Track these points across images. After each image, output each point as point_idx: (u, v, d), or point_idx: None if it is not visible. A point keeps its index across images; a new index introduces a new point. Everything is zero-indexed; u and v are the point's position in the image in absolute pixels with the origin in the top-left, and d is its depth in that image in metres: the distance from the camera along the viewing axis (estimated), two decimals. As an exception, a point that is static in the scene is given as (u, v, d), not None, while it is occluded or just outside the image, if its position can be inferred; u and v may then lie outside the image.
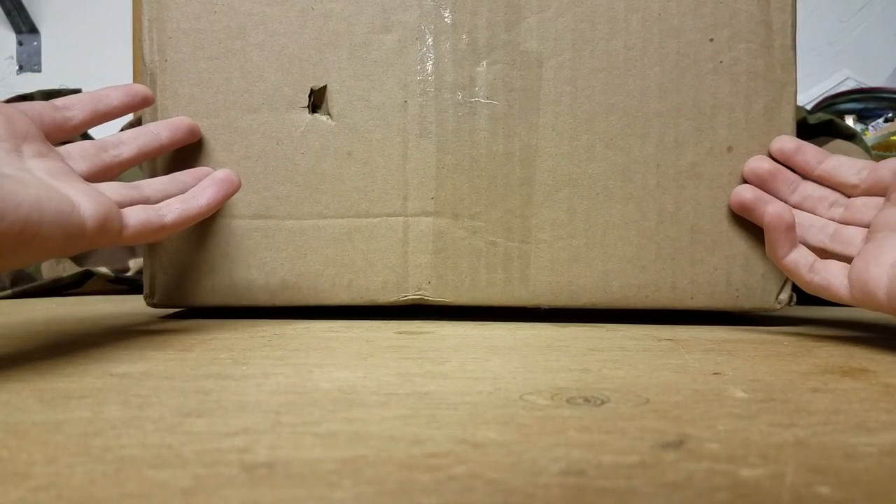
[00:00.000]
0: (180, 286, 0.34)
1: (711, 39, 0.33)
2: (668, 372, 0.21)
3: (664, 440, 0.14)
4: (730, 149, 0.33)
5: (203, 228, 0.34)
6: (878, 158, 0.75)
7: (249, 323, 0.33)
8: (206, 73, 0.34)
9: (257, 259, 0.34)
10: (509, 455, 0.13)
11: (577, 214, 0.33)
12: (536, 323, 0.33)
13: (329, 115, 0.34)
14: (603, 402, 0.17)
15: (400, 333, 0.29)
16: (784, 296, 0.33)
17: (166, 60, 0.34)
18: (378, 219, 0.34)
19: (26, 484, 0.12)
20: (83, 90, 0.59)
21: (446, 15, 0.33)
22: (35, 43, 1.39)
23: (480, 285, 0.34)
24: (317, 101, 0.34)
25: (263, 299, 0.34)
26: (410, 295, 0.34)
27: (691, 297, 0.33)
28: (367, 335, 0.29)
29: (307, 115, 0.34)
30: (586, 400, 0.18)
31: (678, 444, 0.14)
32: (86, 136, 0.59)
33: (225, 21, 0.34)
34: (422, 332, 0.30)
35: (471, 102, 0.33)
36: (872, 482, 0.12)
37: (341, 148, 0.34)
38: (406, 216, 0.34)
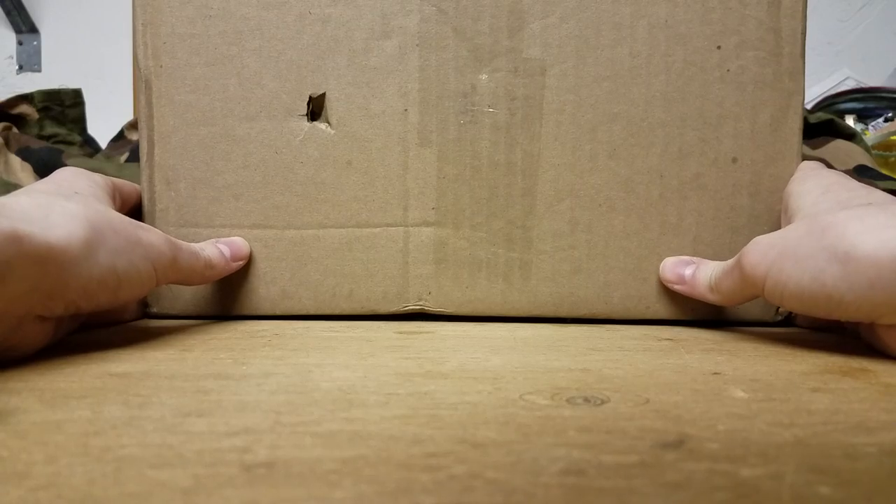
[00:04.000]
0: (182, 296, 0.34)
1: (719, 47, 0.32)
2: (668, 372, 0.21)
3: (664, 440, 0.14)
4: (734, 160, 0.32)
5: (202, 238, 0.34)
6: (879, 158, 0.75)
7: (249, 323, 0.33)
8: (202, 80, 0.33)
9: (257, 269, 0.34)
10: (509, 455, 0.13)
11: (578, 225, 0.33)
12: (536, 323, 0.33)
13: (328, 123, 0.33)
14: (603, 402, 0.17)
15: (400, 333, 0.29)
16: (784, 308, 0.33)
17: (161, 66, 0.33)
18: (378, 229, 0.34)
19: (26, 484, 0.12)
20: (83, 90, 0.59)
21: (447, 20, 0.33)
22: (35, 43, 1.39)
23: (481, 295, 0.34)
24: (316, 108, 0.33)
25: (264, 309, 0.34)
26: (411, 305, 0.34)
27: (692, 309, 0.33)
28: (367, 335, 0.29)
29: (306, 124, 0.33)
30: (586, 400, 0.18)
31: (678, 444, 0.14)
32: (89, 141, 0.59)
33: (220, 26, 0.33)
34: (422, 332, 0.30)
35: (472, 111, 0.33)
36: (872, 482, 0.12)
37: (341, 157, 0.33)
38: (407, 226, 0.33)
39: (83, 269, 0.22)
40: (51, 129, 0.57)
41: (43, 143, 0.53)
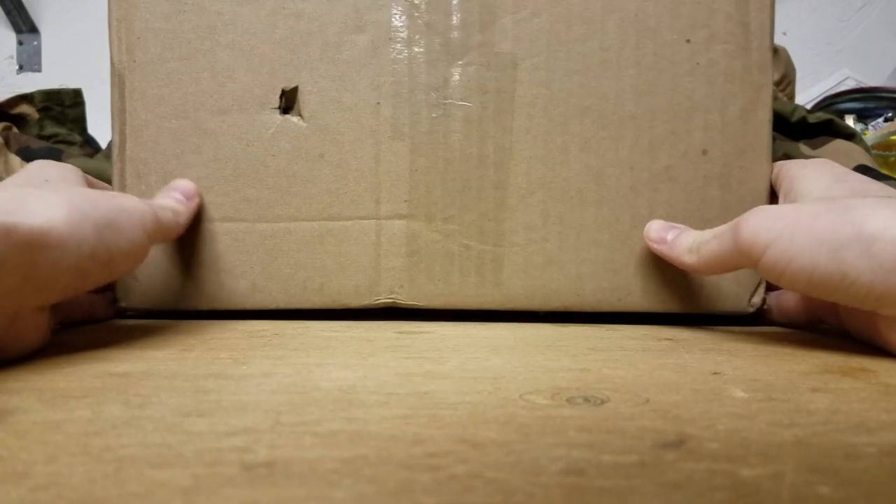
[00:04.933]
0: (149, 290, 0.34)
1: (688, 40, 0.32)
2: (668, 372, 0.21)
3: (664, 440, 0.14)
4: (705, 152, 0.33)
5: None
6: (879, 158, 0.75)
7: (249, 323, 0.33)
8: (175, 74, 0.33)
9: (227, 262, 0.34)
10: (509, 455, 0.13)
11: (550, 218, 0.33)
12: (536, 323, 0.33)
13: (300, 116, 0.33)
14: (603, 402, 0.17)
15: (400, 333, 0.29)
16: (756, 299, 0.33)
17: (135, 61, 0.33)
18: (350, 222, 0.33)
19: (26, 484, 0.12)
20: (83, 90, 0.59)
21: (419, 15, 0.33)
22: (35, 43, 1.39)
23: (453, 289, 0.34)
24: (288, 102, 0.33)
25: (234, 303, 0.34)
26: (383, 298, 0.34)
27: (663, 301, 0.33)
28: (367, 335, 0.29)
29: (278, 117, 0.33)
30: (586, 400, 0.18)
31: (678, 444, 0.14)
32: (89, 141, 0.59)
33: (194, 21, 0.33)
34: (422, 332, 0.30)
35: (444, 104, 0.33)
36: (872, 482, 0.12)
37: (313, 150, 0.33)
38: (379, 219, 0.33)
39: (72, 249, 0.22)
40: (51, 129, 0.57)
41: (43, 143, 0.53)
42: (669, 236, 0.31)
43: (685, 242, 0.30)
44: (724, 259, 0.27)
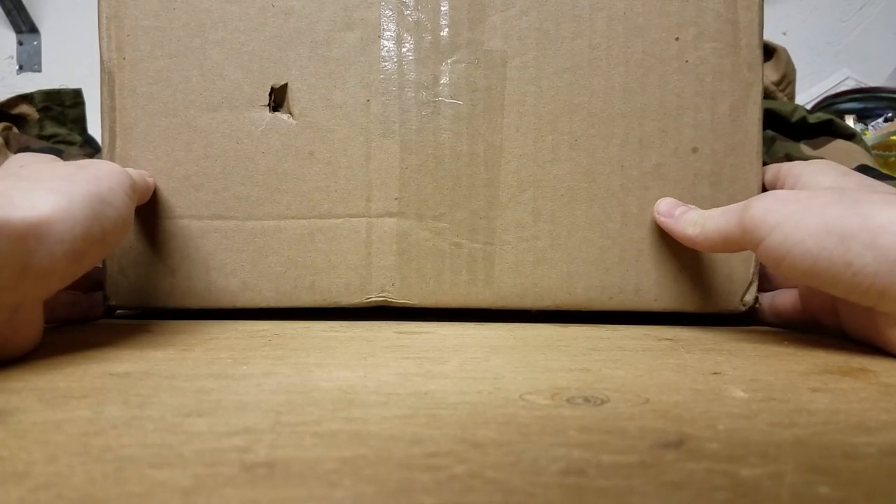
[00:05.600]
0: (139, 287, 0.34)
1: (677, 38, 0.32)
2: (668, 372, 0.21)
3: (664, 440, 0.14)
4: (695, 150, 0.33)
5: (161, 229, 0.33)
6: (879, 158, 0.75)
7: (249, 323, 0.33)
8: (164, 72, 0.33)
9: (216, 260, 0.34)
10: (509, 455, 0.13)
11: (541, 216, 0.33)
12: (537, 323, 0.33)
13: (290, 113, 0.33)
14: (603, 402, 0.17)
15: (400, 333, 0.29)
16: (749, 297, 0.33)
17: (124, 59, 0.33)
18: (341, 220, 0.33)
19: (26, 484, 0.12)
20: (83, 90, 0.59)
21: (409, 12, 0.33)
22: (35, 43, 1.38)
23: (444, 287, 0.34)
24: (278, 99, 0.34)
25: (224, 301, 0.34)
26: (374, 297, 0.33)
27: (655, 300, 0.33)
28: (367, 335, 0.29)
29: (268, 114, 0.33)
30: (586, 400, 0.18)
31: (678, 444, 0.14)
32: (89, 141, 0.59)
33: (184, 18, 0.33)
34: (422, 332, 0.30)
35: (434, 102, 0.33)
36: (872, 482, 0.12)
37: (303, 147, 0.33)
38: (369, 217, 0.33)
39: (66, 235, 0.22)
40: (51, 129, 0.57)
41: (43, 143, 0.53)
42: (677, 211, 0.31)
43: (691, 217, 0.30)
44: (726, 236, 0.27)
